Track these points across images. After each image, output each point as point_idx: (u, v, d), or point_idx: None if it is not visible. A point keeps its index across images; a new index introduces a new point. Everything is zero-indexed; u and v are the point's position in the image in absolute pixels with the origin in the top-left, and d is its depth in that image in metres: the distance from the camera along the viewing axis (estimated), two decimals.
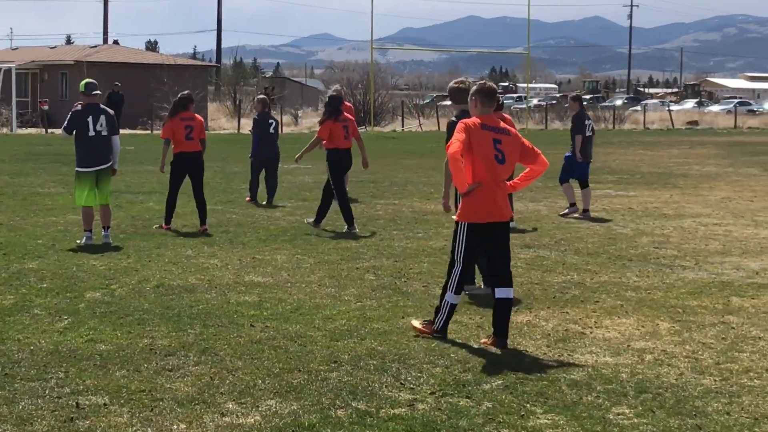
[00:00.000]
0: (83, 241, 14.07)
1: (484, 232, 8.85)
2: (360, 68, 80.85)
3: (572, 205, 18.21)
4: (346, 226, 15.80)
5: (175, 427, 6.63)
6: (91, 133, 14.12)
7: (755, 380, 7.83)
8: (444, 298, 9.04)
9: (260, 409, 6.97)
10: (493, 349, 8.65)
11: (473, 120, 8.82)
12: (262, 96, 20.90)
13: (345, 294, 10.93)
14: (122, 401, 7.08)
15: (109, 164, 14.33)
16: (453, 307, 9.02)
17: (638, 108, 79.15)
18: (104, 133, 14.17)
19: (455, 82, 10.89)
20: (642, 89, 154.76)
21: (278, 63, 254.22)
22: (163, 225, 15.85)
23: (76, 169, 14.35)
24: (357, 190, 21.63)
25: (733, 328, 9.57)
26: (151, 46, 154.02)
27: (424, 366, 8.08)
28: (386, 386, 7.53)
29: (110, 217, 14.47)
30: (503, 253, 8.93)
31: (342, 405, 7.07)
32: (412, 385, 7.56)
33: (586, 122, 18.40)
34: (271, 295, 10.78)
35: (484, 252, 9.25)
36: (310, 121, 60.61)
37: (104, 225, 14.34)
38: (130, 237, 14.78)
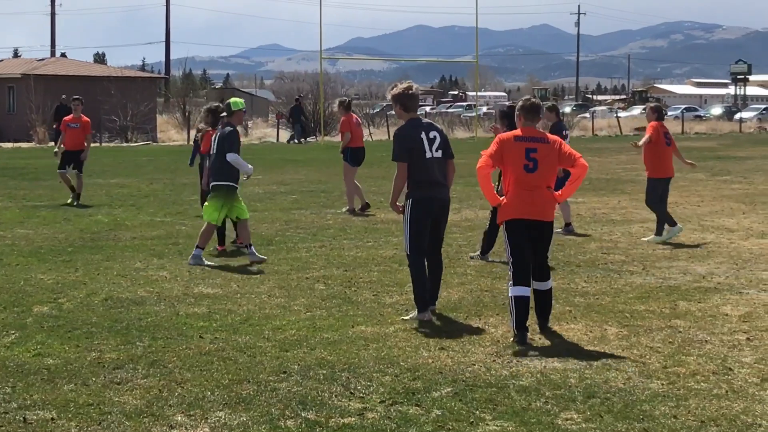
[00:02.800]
0: (191, 260, 13.59)
1: (526, 230, 9.43)
2: (310, 78, 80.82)
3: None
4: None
5: None
6: (213, 151, 13.94)
7: (702, 383, 7.91)
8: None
9: (209, 421, 6.95)
10: (442, 357, 8.67)
11: (508, 133, 9.74)
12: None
13: (295, 304, 10.91)
14: (70, 415, 7.04)
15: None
16: (519, 301, 9.26)
17: (587, 115, 79.52)
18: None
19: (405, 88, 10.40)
20: (590, 96, 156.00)
21: (228, 74, 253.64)
22: (218, 246, 15.00)
23: (228, 183, 13.90)
24: (307, 200, 21.61)
25: (680, 332, 9.66)
26: (99, 59, 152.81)
27: (374, 375, 8.08)
28: (336, 396, 7.53)
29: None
30: (543, 250, 9.57)
31: (291, 415, 7.06)
32: (361, 394, 7.56)
33: (564, 133, 16.27)
34: (220, 307, 10.75)
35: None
36: (260, 131, 60.48)
37: (246, 243, 13.93)
38: (78, 250, 14.67)
